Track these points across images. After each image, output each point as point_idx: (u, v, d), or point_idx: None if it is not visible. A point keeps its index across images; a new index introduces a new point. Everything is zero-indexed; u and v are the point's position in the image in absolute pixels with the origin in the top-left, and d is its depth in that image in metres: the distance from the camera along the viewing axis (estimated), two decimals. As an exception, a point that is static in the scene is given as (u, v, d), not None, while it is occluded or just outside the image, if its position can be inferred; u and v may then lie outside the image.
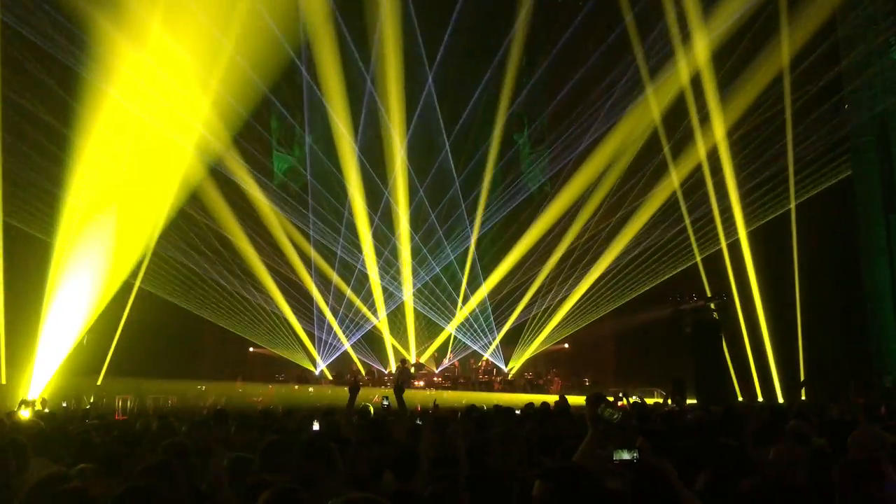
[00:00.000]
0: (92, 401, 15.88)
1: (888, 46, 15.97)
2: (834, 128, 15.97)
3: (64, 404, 14.15)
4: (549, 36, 19.71)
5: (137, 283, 17.05)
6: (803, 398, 15.85)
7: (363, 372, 20.32)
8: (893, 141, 16.52)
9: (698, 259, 17.38)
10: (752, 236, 17.02)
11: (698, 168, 17.11)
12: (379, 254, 20.73)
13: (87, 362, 16.30)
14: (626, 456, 3.44)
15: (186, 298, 18.27)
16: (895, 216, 16.52)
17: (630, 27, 17.21)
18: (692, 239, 17.36)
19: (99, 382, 16.68)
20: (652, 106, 17.29)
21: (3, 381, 14.94)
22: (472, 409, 8.83)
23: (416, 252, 20.95)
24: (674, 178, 17.48)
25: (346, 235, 20.41)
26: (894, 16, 15.38)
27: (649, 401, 13.69)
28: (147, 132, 16.09)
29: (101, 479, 3.99)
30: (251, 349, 20.85)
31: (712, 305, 16.03)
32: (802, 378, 16.19)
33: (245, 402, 15.85)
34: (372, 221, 20.46)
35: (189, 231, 18.03)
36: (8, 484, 3.97)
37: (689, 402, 15.09)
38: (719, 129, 16.67)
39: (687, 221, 17.45)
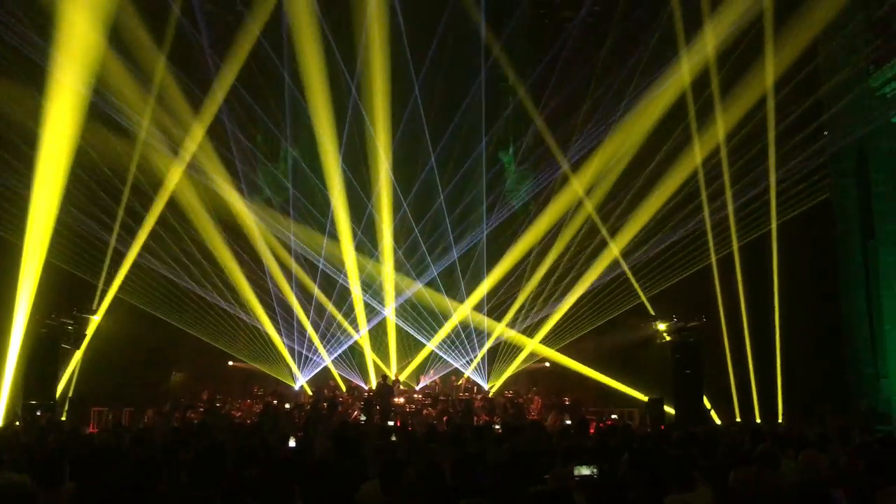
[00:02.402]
0: (66, 411, 15.71)
1: (867, 74, 16.25)
2: (815, 153, 16.21)
3: (38, 413, 13.97)
4: (534, 54, 19.87)
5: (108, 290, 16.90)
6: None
7: (343, 387, 20.16)
8: (872, 167, 16.78)
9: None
10: (729, 259, 17.18)
11: (683, 186, 17.25)
12: (362, 269, 20.65)
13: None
14: (585, 472, 3.57)
15: (166, 309, 18.11)
16: (873, 242, 16.73)
17: (615, 47, 17.40)
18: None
19: (70, 394, 16.44)
20: (636, 125, 17.39)
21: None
22: (456, 428, 8.83)
23: (399, 266, 20.90)
24: (658, 197, 17.57)
25: (328, 249, 20.33)
26: (873, 44, 15.66)
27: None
28: (128, 139, 16.11)
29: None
30: (230, 363, 20.65)
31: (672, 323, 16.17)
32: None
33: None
34: (355, 235, 20.40)
35: (170, 242, 17.91)
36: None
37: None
38: (703, 149, 16.82)
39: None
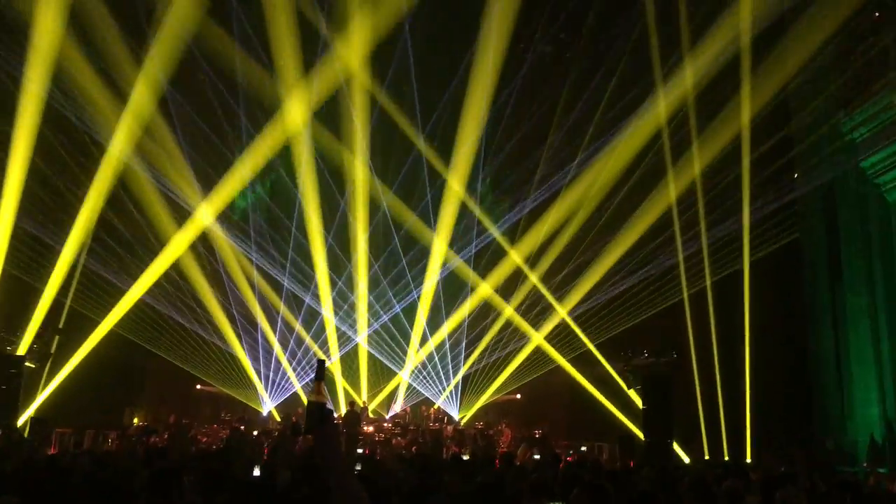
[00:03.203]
0: (27, 434, 15.31)
1: (837, 118, 16.56)
2: (783, 193, 16.47)
3: None
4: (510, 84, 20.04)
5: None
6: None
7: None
8: (840, 209, 17.06)
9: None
10: (700, 296, 17.33)
11: (655, 223, 17.42)
12: (337, 298, 20.53)
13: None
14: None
15: (134, 330, 17.82)
16: (840, 283, 16.93)
17: (587, 81, 17.62)
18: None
19: (32, 414, 16.05)
20: (613, 157, 17.53)
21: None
22: (422, 458, 8.75)
23: (372, 288, 20.80)
24: (632, 231, 17.73)
25: (301, 275, 20.19)
26: (836, 83, 15.99)
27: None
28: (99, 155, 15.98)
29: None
30: (198, 386, 20.32)
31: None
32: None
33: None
34: (329, 263, 20.29)
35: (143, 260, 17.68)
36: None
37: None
38: (677, 186, 17.03)
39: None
